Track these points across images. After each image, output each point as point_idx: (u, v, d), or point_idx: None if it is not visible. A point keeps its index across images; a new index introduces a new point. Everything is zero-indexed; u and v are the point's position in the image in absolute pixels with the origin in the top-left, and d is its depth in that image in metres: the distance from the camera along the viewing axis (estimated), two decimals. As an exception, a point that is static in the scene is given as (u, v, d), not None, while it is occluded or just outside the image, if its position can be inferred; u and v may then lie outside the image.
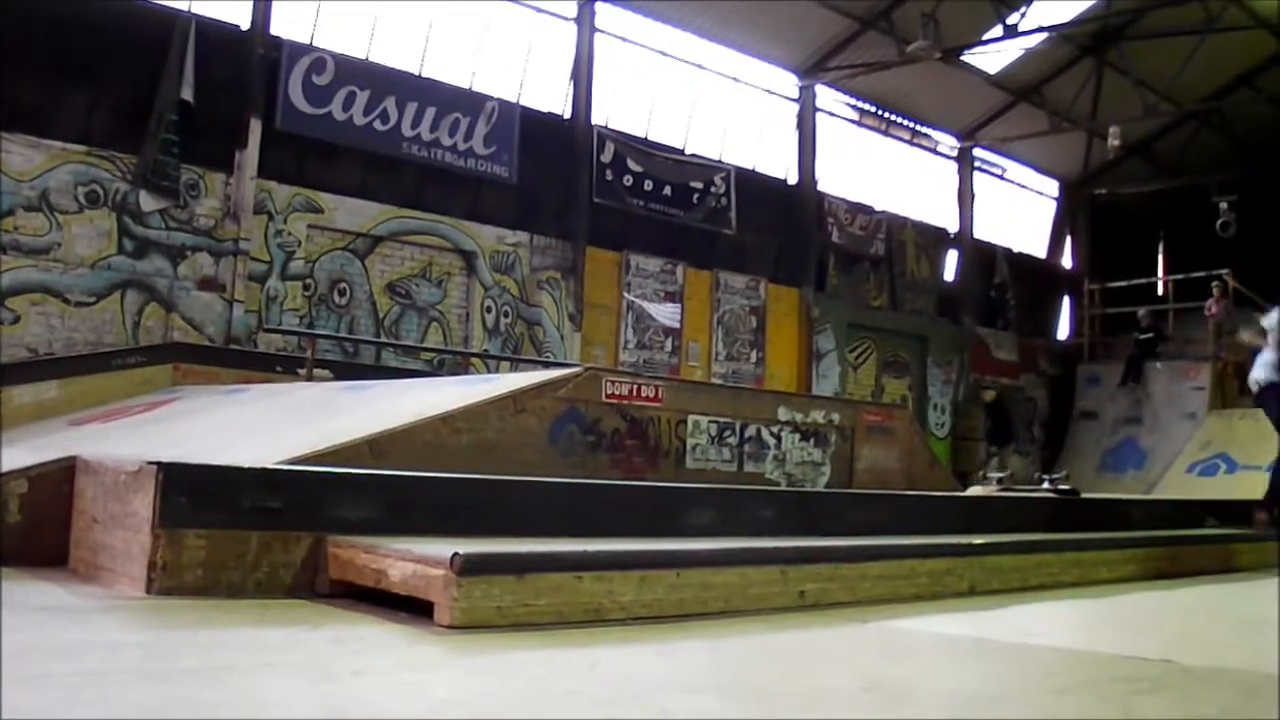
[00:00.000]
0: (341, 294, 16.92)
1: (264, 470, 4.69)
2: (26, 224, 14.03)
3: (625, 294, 20.38)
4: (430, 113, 17.66)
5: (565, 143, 19.52)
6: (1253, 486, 17.62)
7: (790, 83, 23.57)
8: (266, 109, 15.99)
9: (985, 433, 23.55)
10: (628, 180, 20.22)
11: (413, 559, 4.04)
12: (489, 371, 17.19)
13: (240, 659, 3.28)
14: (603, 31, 20.30)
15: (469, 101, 18.23)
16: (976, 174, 27.84)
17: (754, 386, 20.05)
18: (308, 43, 16.68)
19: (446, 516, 4.79)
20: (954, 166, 27.45)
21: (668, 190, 20.75)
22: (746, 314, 22.41)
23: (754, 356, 22.54)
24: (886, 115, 25.61)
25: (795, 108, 23.69)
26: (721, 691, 3.25)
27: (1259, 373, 9.38)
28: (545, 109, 19.55)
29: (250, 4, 16.06)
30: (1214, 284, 23.97)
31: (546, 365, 16.83)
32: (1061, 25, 22.80)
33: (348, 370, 13.99)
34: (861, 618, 4.71)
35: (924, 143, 26.71)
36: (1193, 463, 21.41)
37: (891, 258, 25.38)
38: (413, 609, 3.97)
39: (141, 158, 14.83)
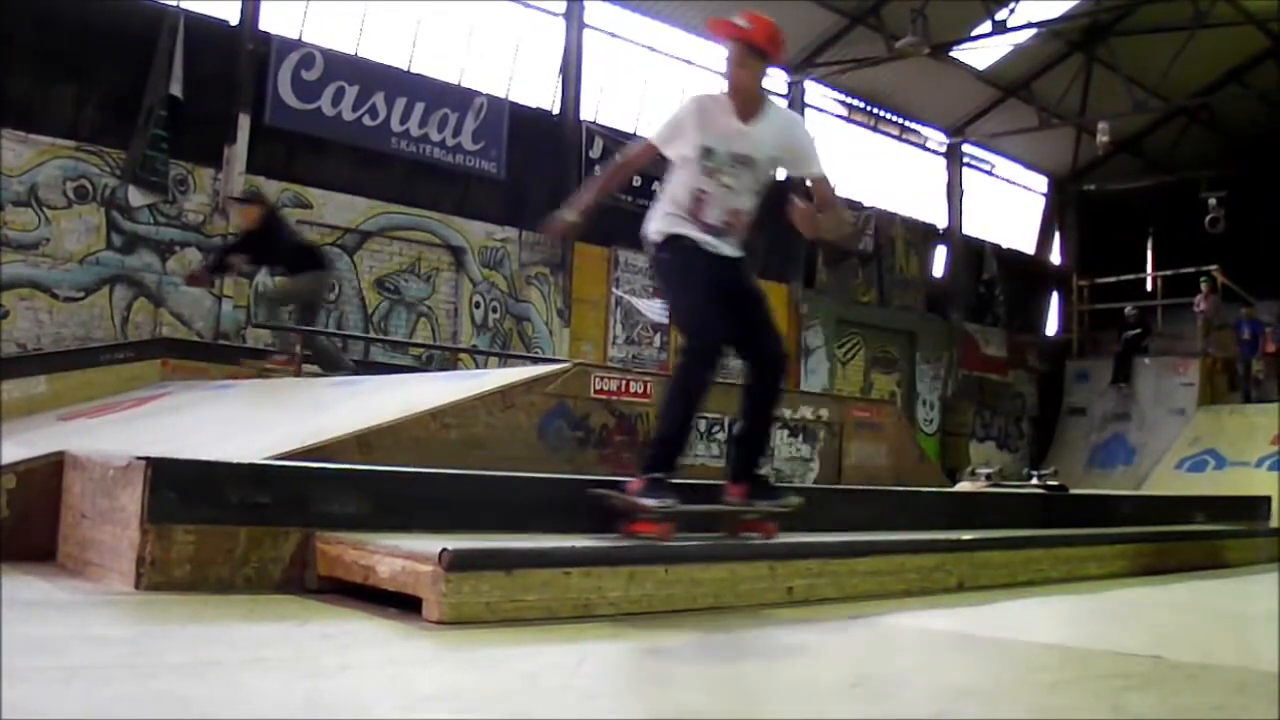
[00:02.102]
0: (330, 289, 16.89)
1: (252, 466, 4.68)
2: (15, 219, 13.99)
3: (614, 289, 20.38)
4: (419, 108, 17.64)
5: (554, 138, 19.50)
6: (1242, 483, 17.71)
7: (779, 78, 23.56)
8: (255, 104, 15.96)
9: None
10: (617, 176, 20.19)
11: (401, 555, 4.04)
12: (478, 367, 17.16)
13: (228, 654, 3.28)
14: (591, 27, 20.29)
15: (457, 97, 18.21)
16: (965, 170, 27.86)
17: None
18: (296, 38, 16.65)
19: (435, 512, 4.78)
20: (943, 162, 27.46)
21: (656, 186, 20.71)
22: (735, 310, 22.39)
23: (743, 352, 22.53)
24: (875, 111, 25.61)
25: (784, 104, 23.66)
26: (709, 687, 3.25)
27: (661, 223, 5.73)
28: (534, 105, 19.54)
29: (239, 0, 16.03)
30: (1203, 280, 23.99)
31: (535, 361, 16.81)
32: (1050, 21, 22.82)
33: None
34: (850, 613, 4.71)
35: (913, 139, 26.72)
36: (1181, 459, 21.42)
37: (880, 254, 25.40)
38: (402, 605, 3.97)
39: (130, 153, 14.81)
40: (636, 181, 20.08)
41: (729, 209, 5.64)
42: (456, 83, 18.38)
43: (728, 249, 5.67)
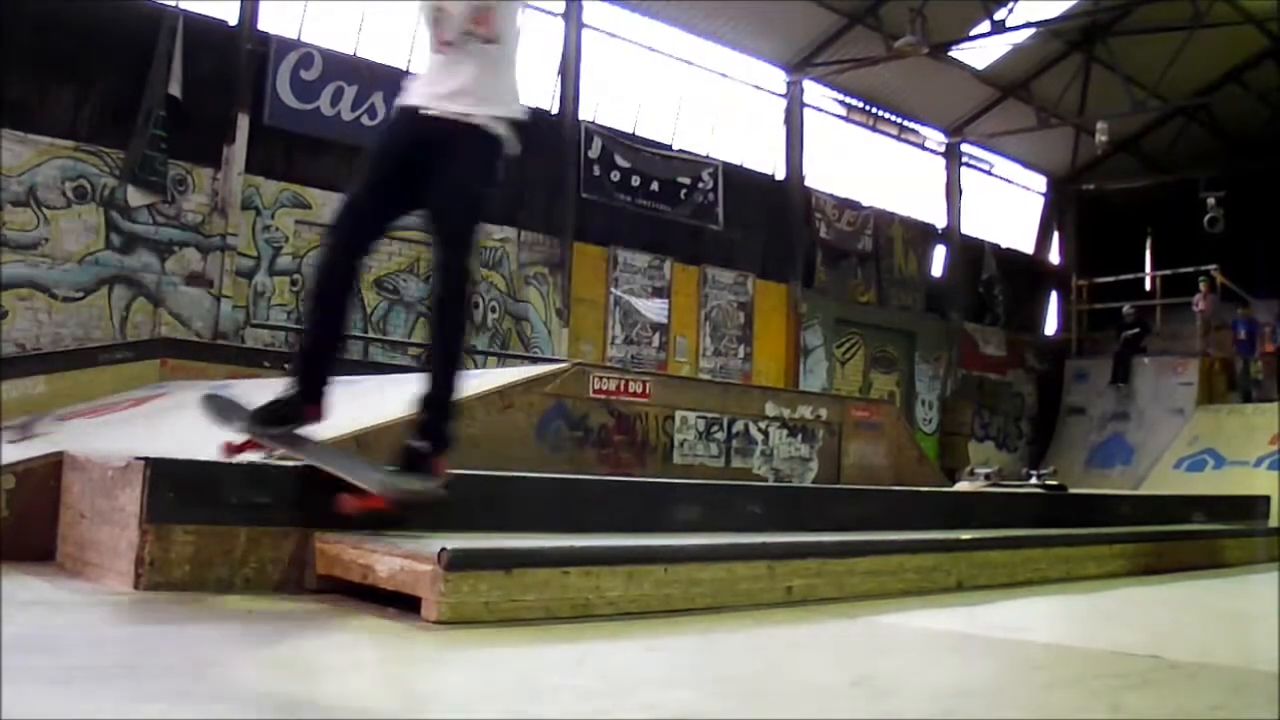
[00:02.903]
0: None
1: (251, 465, 4.68)
2: (14, 219, 13.98)
3: (613, 289, 20.37)
4: (418, 108, 17.62)
5: (553, 138, 19.49)
6: (1241, 483, 17.72)
7: (778, 78, 23.56)
8: (254, 104, 15.95)
9: None
10: (615, 176, 20.20)
11: (400, 554, 4.04)
12: (476, 367, 17.16)
13: (227, 655, 3.28)
14: (590, 27, 20.28)
15: (457, 97, 18.18)
16: (964, 170, 27.85)
17: (741, 382, 20.04)
18: (295, 38, 16.64)
19: (433, 512, 4.78)
20: (941, 162, 27.46)
21: (655, 186, 20.73)
22: (734, 309, 22.41)
23: (741, 352, 22.55)
24: (874, 111, 25.60)
25: (783, 103, 23.68)
26: (708, 686, 3.25)
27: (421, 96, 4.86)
28: (533, 104, 19.52)
29: (238, 0, 16.02)
30: (1201, 280, 24.01)
31: (534, 361, 16.83)
32: (1049, 21, 22.81)
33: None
34: (849, 613, 4.72)
35: (912, 138, 26.71)
36: (1180, 458, 21.43)
37: (879, 253, 25.40)
38: (401, 604, 3.97)
39: (129, 153, 14.79)
40: (635, 181, 20.19)
41: (459, 30, 4.73)
42: (455, 83, 18.36)
43: (447, 94, 4.78)
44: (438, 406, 4.74)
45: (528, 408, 7.43)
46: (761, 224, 22.72)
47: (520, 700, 2.88)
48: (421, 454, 4.61)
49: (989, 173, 28.94)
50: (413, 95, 4.87)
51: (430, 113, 4.77)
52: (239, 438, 4.70)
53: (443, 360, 4.89)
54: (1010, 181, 29.77)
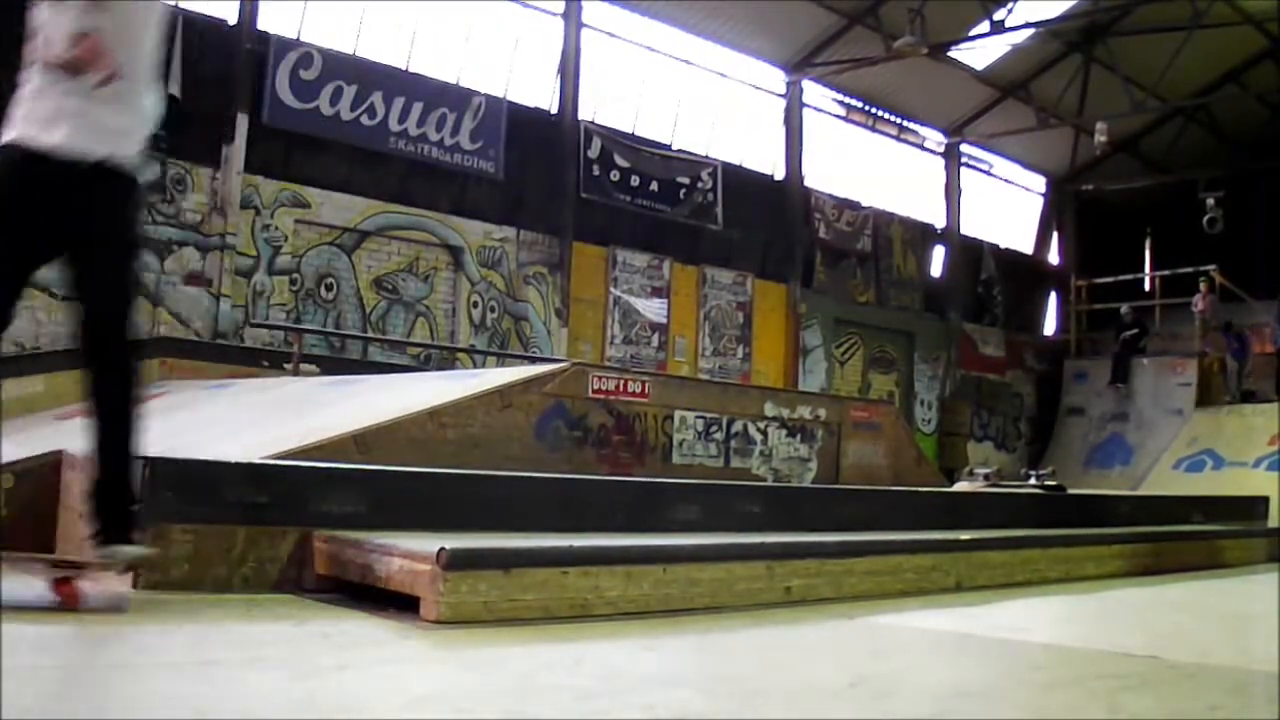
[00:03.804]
0: (328, 289, 16.88)
1: (250, 465, 4.68)
2: (12, 218, 13.97)
3: (612, 289, 20.37)
4: (417, 108, 17.62)
5: (552, 138, 19.49)
6: (1240, 483, 17.72)
7: (777, 78, 23.55)
8: (253, 104, 15.93)
9: None
10: (614, 175, 20.20)
11: (399, 554, 4.04)
12: (476, 367, 17.15)
13: (226, 654, 3.28)
14: (589, 27, 20.26)
15: (456, 96, 18.19)
16: (963, 170, 27.84)
17: (740, 382, 20.04)
18: (295, 38, 16.63)
19: (433, 512, 4.79)
20: (941, 162, 27.44)
21: (654, 185, 20.73)
22: (733, 309, 22.41)
23: (740, 352, 22.54)
24: (873, 111, 25.59)
25: (782, 103, 23.67)
26: (706, 686, 3.25)
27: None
28: (532, 104, 19.52)
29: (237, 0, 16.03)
30: (1201, 280, 24.00)
31: (533, 360, 16.81)
32: (1049, 21, 22.80)
33: (334, 365, 13.93)
34: (848, 613, 4.71)
35: (911, 139, 26.70)
36: (1179, 459, 21.41)
37: (878, 254, 25.38)
38: (400, 604, 3.97)
39: (128, 152, 14.79)
40: (634, 181, 20.19)
41: (69, 35, 4.15)
42: (455, 82, 18.36)
43: (66, 141, 4.00)
44: (121, 488, 4.00)
45: (527, 407, 7.42)
46: (761, 224, 22.70)
47: (519, 700, 2.88)
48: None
49: (988, 173, 28.93)
50: (28, 126, 4.05)
51: (58, 153, 3.98)
52: None
53: (120, 430, 4.09)
54: (1009, 182, 29.76)
